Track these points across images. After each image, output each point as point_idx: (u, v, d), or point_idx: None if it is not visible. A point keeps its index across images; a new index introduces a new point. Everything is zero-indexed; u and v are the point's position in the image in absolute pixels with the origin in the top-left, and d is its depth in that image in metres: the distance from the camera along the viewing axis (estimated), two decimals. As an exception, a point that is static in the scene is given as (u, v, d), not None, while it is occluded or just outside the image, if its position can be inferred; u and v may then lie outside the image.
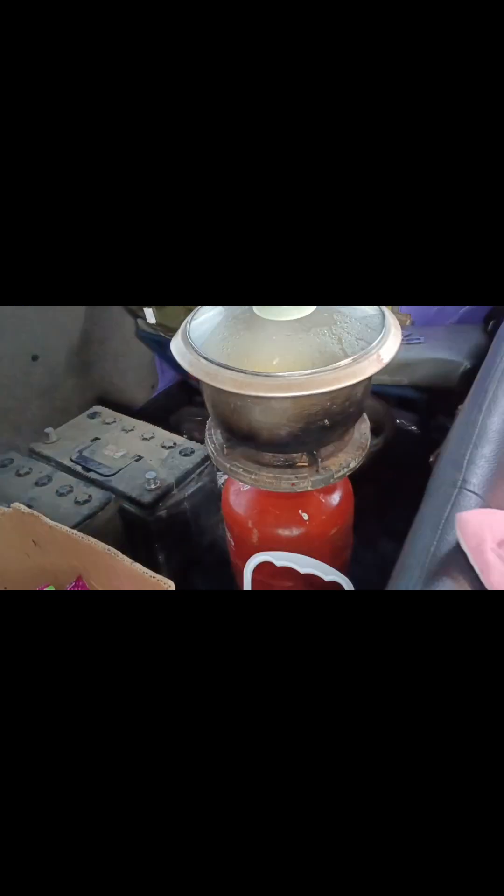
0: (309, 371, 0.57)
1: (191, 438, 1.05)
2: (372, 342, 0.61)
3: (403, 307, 1.39)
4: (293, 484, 0.69)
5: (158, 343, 1.36)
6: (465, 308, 1.28)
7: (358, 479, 0.80)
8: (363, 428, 0.76)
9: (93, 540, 0.62)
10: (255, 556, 0.60)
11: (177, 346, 0.64)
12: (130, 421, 1.09)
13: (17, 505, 0.70)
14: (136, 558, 1.01)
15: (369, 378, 0.61)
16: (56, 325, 1.21)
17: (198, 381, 0.63)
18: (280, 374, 0.57)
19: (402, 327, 1.39)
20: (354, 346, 0.61)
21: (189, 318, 0.68)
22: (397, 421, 1.36)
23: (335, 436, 0.68)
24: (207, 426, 0.79)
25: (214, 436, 0.77)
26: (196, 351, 0.62)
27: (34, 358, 1.19)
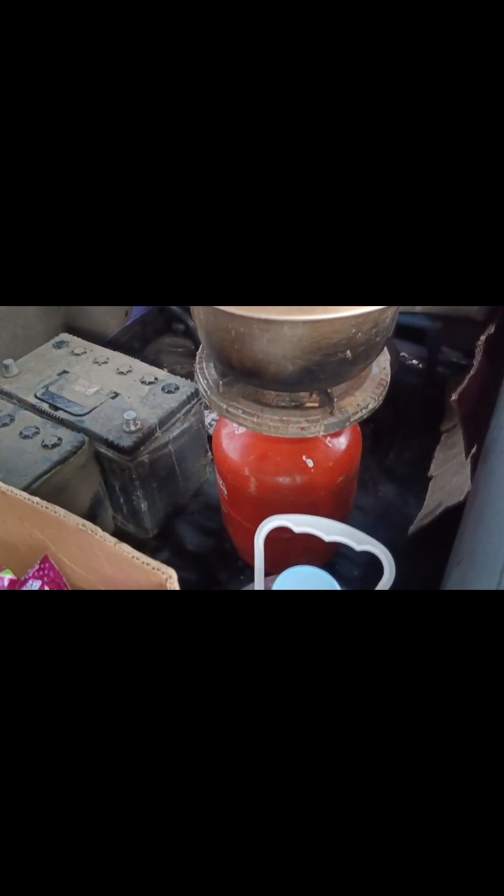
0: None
1: (172, 373, 0.93)
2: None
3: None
4: (303, 428, 0.59)
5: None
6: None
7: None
8: (382, 361, 0.65)
9: (62, 511, 0.48)
10: (268, 520, 0.51)
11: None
12: (103, 352, 0.95)
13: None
14: (115, 508, 0.92)
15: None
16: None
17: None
18: (298, 291, 0.45)
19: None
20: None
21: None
22: (400, 354, 1.25)
23: (356, 371, 0.57)
24: (198, 358, 0.66)
25: (207, 370, 0.65)
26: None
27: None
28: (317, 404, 0.61)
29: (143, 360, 0.95)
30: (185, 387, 0.88)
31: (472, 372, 0.78)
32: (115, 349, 0.98)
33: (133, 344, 1.33)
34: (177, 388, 0.88)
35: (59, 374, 0.90)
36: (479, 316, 0.87)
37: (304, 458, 0.69)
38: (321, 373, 0.54)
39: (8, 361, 0.90)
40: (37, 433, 0.79)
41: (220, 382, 0.62)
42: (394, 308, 0.53)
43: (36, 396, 0.86)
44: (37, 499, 0.50)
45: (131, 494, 0.85)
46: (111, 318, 1.31)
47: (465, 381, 0.77)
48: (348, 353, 0.52)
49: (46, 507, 0.49)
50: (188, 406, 0.88)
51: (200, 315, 0.56)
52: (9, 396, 0.87)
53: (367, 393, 0.61)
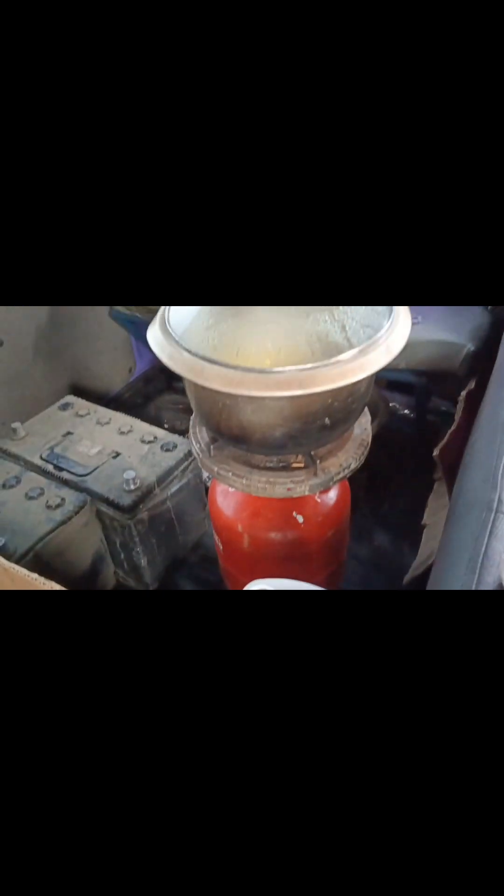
0: (309, 366, 0.49)
1: (172, 430, 0.97)
2: (380, 329, 0.53)
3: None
4: (289, 489, 0.62)
5: (134, 324, 1.25)
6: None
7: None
8: (364, 422, 0.69)
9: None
10: (253, 583, 0.53)
11: (154, 336, 0.55)
12: (106, 412, 1.00)
13: None
14: (116, 563, 0.94)
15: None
16: (21, 307, 1.10)
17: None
18: (275, 369, 0.49)
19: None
20: (360, 334, 0.53)
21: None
22: (391, 404, 1.30)
23: (336, 435, 0.61)
24: (192, 422, 0.71)
25: (199, 434, 0.69)
26: (177, 342, 0.53)
27: (-2, 343, 1.08)
28: (302, 464, 0.65)
29: (145, 416, 1.00)
30: (183, 444, 0.93)
31: (453, 426, 0.81)
32: (118, 405, 1.03)
33: (136, 400, 1.39)
34: (175, 447, 0.92)
35: (64, 436, 0.95)
36: (461, 371, 0.92)
37: (294, 514, 0.72)
38: (303, 438, 0.58)
39: (16, 425, 0.95)
40: (41, 494, 0.83)
41: (212, 446, 0.66)
42: (368, 377, 0.58)
43: (41, 458, 0.91)
44: None
45: (131, 550, 0.88)
46: (115, 375, 1.38)
47: (447, 436, 0.81)
48: (327, 419, 0.56)
49: None
50: (186, 463, 0.92)
51: (191, 386, 0.61)
52: (16, 458, 0.91)
53: (349, 453, 0.65)
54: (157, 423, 0.99)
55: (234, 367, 0.50)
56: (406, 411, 1.29)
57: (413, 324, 1.10)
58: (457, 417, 0.83)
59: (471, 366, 0.91)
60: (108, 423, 0.98)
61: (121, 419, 0.99)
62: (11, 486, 0.84)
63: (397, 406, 1.28)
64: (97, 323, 1.29)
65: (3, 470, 0.87)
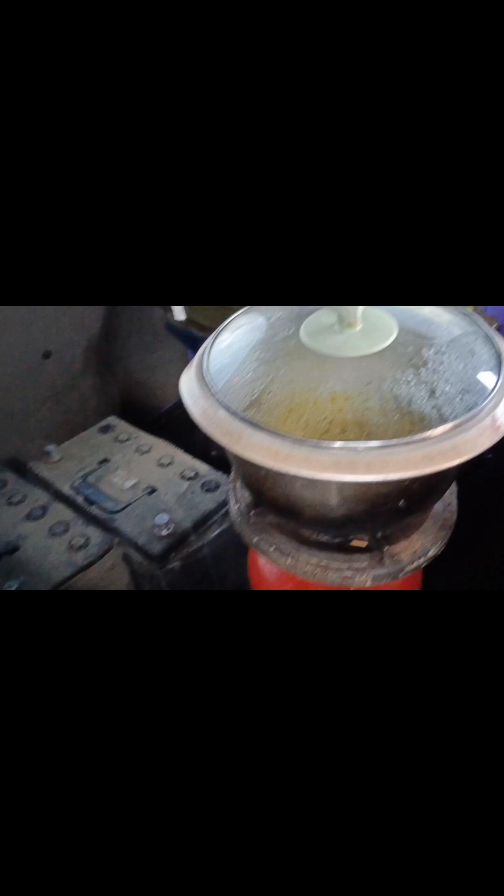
0: (378, 444, 0.36)
1: (220, 458, 0.86)
2: (484, 396, 0.39)
3: (489, 308, 1.13)
4: (345, 577, 0.49)
5: (190, 339, 1.17)
6: None
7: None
8: (448, 497, 0.54)
9: None
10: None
11: (187, 385, 0.45)
12: (148, 439, 0.91)
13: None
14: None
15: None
16: (72, 317, 1.04)
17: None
18: (335, 444, 0.37)
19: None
20: (455, 403, 0.39)
21: (209, 340, 0.48)
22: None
23: (411, 518, 0.48)
24: (231, 476, 0.60)
25: (239, 492, 0.58)
26: (213, 394, 0.42)
27: (46, 355, 1.02)
28: (364, 544, 0.52)
29: (195, 437, 0.89)
30: (227, 485, 0.82)
31: None
32: (169, 421, 0.94)
33: (186, 418, 1.30)
34: (216, 487, 0.81)
35: (100, 463, 0.87)
36: None
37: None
38: (367, 521, 0.45)
39: (50, 448, 0.88)
40: (66, 531, 0.75)
41: (252, 511, 0.54)
42: (464, 456, 0.44)
43: (72, 487, 0.83)
44: None
45: (160, 600, 0.78)
46: (168, 389, 1.30)
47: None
48: (402, 502, 0.43)
49: None
50: (225, 508, 0.81)
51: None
52: (45, 485, 0.84)
53: (427, 536, 0.51)
54: (205, 447, 0.89)
55: (282, 437, 0.38)
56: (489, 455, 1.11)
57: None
58: None
59: None
60: (148, 451, 0.89)
61: (162, 448, 0.89)
62: (36, 518, 0.77)
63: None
64: (152, 335, 1.22)
65: (31, 498, 0.80)
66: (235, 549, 0.86)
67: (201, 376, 0.44)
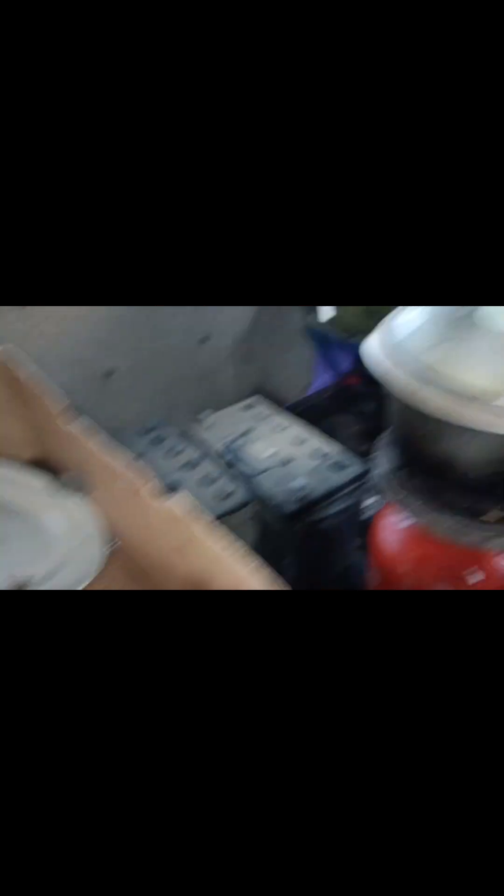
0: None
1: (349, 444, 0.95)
2: None
3: None
4: (484, 538, 0.55)
5: (326, 341, 1.27)
6: None
7: None
8: None
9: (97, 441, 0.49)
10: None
11: (371, 350, 0.54)
12: (285, 419, 1.02)
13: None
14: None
15: None
16: (228, 311, 1.18)
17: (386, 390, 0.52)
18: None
19: None
20: None
21: (390, 316, 0.57)
22: None
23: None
24: (382, 441, 0.68)
25: (388, 455, 0.65)
26: (397, 358, 0.51)
27: (203, 340, 1.18)
28: (496, 519, 0.57)
29: (320, 427, 0.99)
30: (354, 467, 0.90)
31: None
32: (297, 415, 1.04)
33: (308, 416, 1.40)
34: (345, 467, 0.90)
35: (243, 434, 0.99)
36: None
37: (471, 569, 0.64)
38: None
39: (205, 413, 1.02)
40: (213, 483, 0.87)
41: (399, 472, 0.61)
42: None
43: (221, 448, 0.95)
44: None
45: (280, 560, 0.87)
46: (293, 389, 1.41)
47: None
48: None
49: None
50: (351, 487, 0.88)
51: (398, 405, 0.57)
52: (198, 445, 0.98)
53: None
54: (332, 435, 0.98)
55: (457, 394, 0.46)
56: None
57: None
58: None
59: None
60: (285, 429, 0.99)
61: (298, 428, 0.99)
62: (190, 468, 0.90)
63: None
64: (290, 335, 1.34)
65: (187, 452, 0.94)
66: (347, 532, 0.94)
67: (386, 342, 0.53)
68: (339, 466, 0.90)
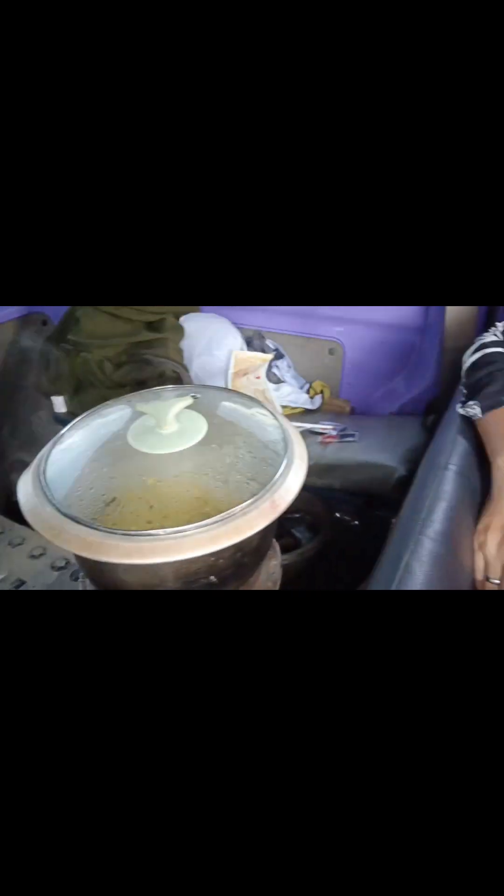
0: (169, 532, 0.44)
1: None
2: (266, 483, 0.49)
3: (343, 394, 1.31)
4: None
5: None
6: (408, 396, 1.21)
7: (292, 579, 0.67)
8: (272, 566, 0.63)
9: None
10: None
11: (23, 485, 0.51)
12: (22, 533, 0.93)
13: None
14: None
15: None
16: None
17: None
18: (140, 533, 0.44)
19: (341, 413, 1.30)
20: (244, 488, 0.49)
21: (51, 442, 0.55)
22: (336, 514, 1.25)
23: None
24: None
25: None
26: (43, 492, 0.49)
27: None
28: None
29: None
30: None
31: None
32: None
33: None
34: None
35: None
36: (392, 494, 0.89)
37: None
38: (189, 596, 0.52)
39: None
40: None
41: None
42: (262, 529, 0.53)
43: None
44: None
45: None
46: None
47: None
48: (212, 577, 0.50)
49: None
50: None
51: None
52: None
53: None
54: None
55: (96, 529, 0.45)
56: (355, 522, 1.24)
57: (350, 441, 1.08)
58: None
59: (401, 490, 0.88)
60: (20, 544, 0.91)
61: (36, 541, 0.92)
62: None
63: (344, 517, 1.24)
64: (41, 426, 1.27)
65: None
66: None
67: (37, 476, 0.50)
68: (76, 577, 0.85)
